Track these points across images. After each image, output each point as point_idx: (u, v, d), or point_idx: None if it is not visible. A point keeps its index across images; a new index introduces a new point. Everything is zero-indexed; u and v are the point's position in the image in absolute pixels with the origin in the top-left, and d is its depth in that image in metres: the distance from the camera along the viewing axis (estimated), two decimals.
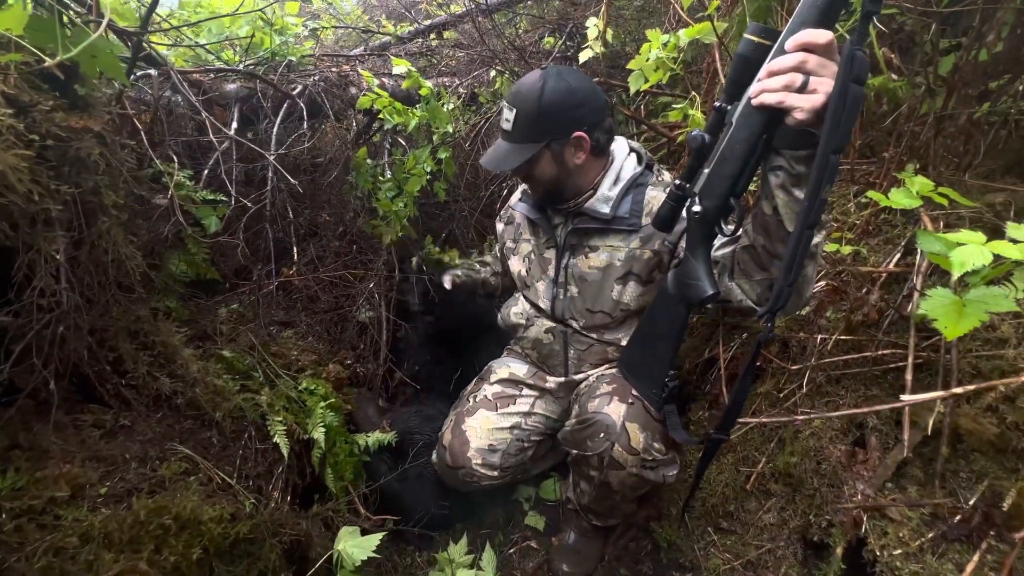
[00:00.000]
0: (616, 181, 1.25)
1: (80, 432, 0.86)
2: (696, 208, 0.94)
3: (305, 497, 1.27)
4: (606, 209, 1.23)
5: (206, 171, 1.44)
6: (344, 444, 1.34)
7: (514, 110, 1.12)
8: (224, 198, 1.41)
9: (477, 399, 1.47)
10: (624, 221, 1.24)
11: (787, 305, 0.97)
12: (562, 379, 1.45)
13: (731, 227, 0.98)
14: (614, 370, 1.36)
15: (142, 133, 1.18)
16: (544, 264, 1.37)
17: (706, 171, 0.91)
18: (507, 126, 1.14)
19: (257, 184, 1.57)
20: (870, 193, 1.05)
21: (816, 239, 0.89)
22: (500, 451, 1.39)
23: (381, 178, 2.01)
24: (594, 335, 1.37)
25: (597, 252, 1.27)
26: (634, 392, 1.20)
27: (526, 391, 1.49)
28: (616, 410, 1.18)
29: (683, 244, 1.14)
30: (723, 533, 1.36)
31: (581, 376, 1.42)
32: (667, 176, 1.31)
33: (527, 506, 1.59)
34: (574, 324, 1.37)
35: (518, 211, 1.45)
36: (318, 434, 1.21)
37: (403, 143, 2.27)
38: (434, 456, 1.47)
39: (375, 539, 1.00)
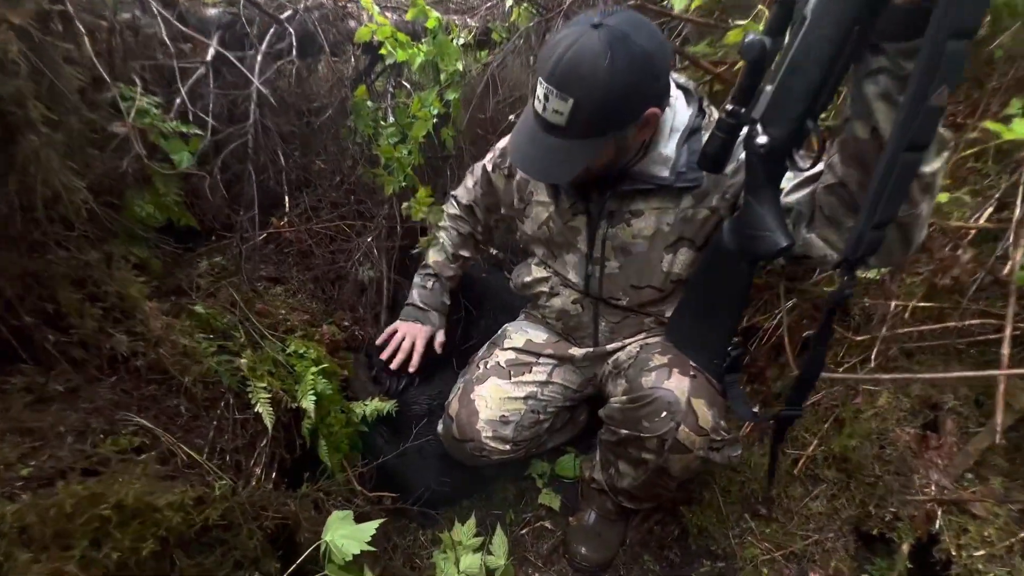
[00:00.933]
0: (671, 133, 0.98)
1: (4, 398, 0.69)
2: (761, 139, 0.71)
3: (295, 474, 1.11)
4: (665, 172, 0.97)
5: (179, 100, 1.23)
6: (339, 414, 1.18)
7: (569, 100, 0.80)
8: (199, 132, 1.20)
9: (488, 366, 1.28)
10: (684, 178, 0.97)
11: (890, 253, 0.77)
12: (589, 350, 1.27)
13: (808, 161, 0.77)
14: (658, 337, 1.17)
15: (88, 47, 0.97)
16: (571, 234, 1.10)
17: (769, 89, 0.69)
18: (558, 119, 0.83)
19: (239, 120, 1.35)
20: (988, 124, 0.83)
21: (932, 166, 0.67)
22: (513, 423, 1.21)
23: (383, 123, 1.79)
24: (636, 309, 1.17)
25: (641, 217, 1.02)
26: (692, 363, 1.01)
27: (544, 360, 1.30)
28: (678, 385, 0.99)
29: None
30: (762, 520, 1.20)
31: (614, 347, 1.24)
32: (717, 116, 1.08)
33: (541, 483, 1.44)
34: (615, 303, 1.15)
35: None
36: (308, 403, 1.04)
37: (407, 85, 2.04)
38: (439, 427, 1.31)
39: (370, 528, 0.84)
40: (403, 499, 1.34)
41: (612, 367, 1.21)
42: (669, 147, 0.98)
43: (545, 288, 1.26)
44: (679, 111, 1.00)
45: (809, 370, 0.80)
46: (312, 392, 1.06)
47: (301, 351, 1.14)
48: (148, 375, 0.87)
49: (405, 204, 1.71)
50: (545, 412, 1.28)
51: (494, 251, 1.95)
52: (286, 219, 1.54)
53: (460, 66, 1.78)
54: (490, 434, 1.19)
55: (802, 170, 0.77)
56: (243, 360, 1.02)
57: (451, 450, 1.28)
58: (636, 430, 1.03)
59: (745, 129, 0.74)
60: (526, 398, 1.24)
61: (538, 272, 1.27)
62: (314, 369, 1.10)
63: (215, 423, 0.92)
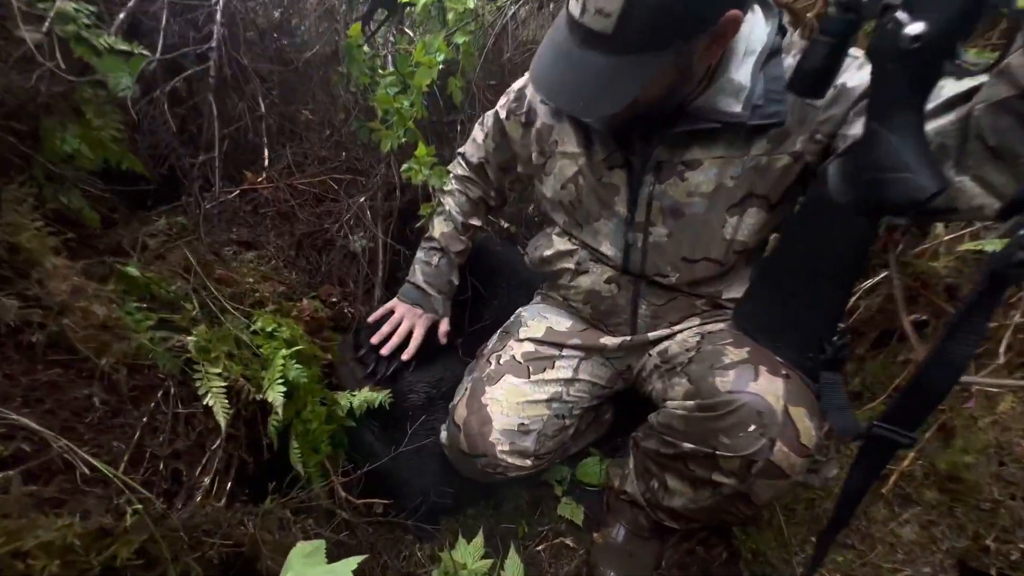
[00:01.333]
0: (745, 55, 0.75)
1: None
2: (912, 28, 0.48)
3: (262, 483, 0.89)
4: (736, 106, 0.73)
5: (122, 14, 0.98)
6: (319, 407, 0.95)
7: None
8: (146, 53, 0.95)
9: (501, 361, 1.04)
10: (761, 113, 0.73)
11: None
12: (626, 338, 1.02)
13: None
14: (720, 324, 0.93)
15: None
16: (607, 194, 0.88)
17: None
18: (603, 24, 0.62)
19: (200, 42, 1.10)
20: None
21: None
22: (534, 432, 0.98)
23: (381, 71, 1.53)
24: (685, 288, 0.93)
25: (700, 169, 0.79)
26: (779, 359, 0.77)
27: (568, 352, 1.06)
28: (770, 388, 0.74)
29: (851, 129, 0.70)
30: (834, 547, 0.98)
31: (658, 335, 0.99)
32: (799, 39, 0.82)
33: (560, 491, 1.21)
34: (662, 280, 0.91)
35: (544, 107, 0.93)
36: (275, 393, 0.81)
37: (410, 32, 1.77)
38: (443, 435, 1.07)
39: (346, 570, 0.61)
40: (397, 507, 1.12)
41: (659, 360, 0.97)
42: (742, 73, 0.73)
43: (570, 264, 1.01)
44: (756, 26, 0.75)
45: (938, 373, 0.56)
46: (281, 380, 0.83)
47: (271, 328, 0.90)
48: (48, 354, 0.63)
49: (405, 165, 1.47)
50: (571, 416, 1.04)
51: (505, 224, 1.70)
52: (264, 175, 1.30)
53: (471, 3, 1.52)
54: (507, 447, 0.95)
55: (971, 73, 0.53)
56: (192, 338, 0.78)
57: (458, 465, 1.04)
58: (708, 446, 0.78)
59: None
60: (549, 401, 1.00)
61: (561, 244, 1.01)
62: (285, 352, 0.86)
63: (145, 420, 0.68)
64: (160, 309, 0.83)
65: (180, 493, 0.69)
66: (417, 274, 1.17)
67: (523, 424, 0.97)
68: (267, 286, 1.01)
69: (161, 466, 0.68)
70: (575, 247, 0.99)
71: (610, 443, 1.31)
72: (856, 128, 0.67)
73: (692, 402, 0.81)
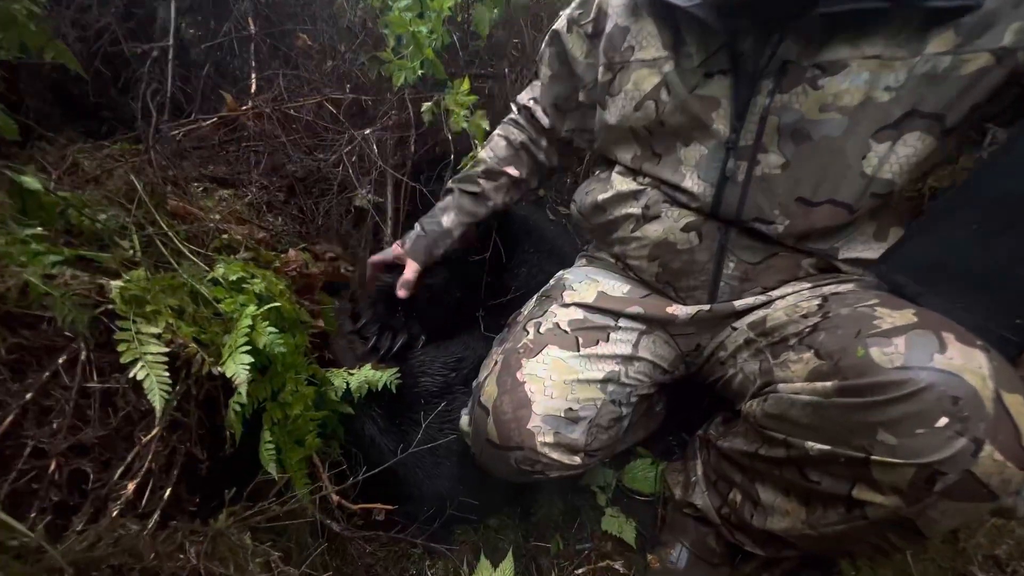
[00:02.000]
0: None
1: None
2: None
3: (219, 487, 0.65)
4: None
5: None
6: (303, 387, 0.71)
7: None
8: None
9: (543, 329, 0.79)
10: None
11: None
12: (703, 307, 0.76)
13: None
14: (844, 285, 0.67)
15: None
16: (702, 109, 0.65)
17: None
18: None
19: None
20: None
21: None
22: (585, 421, 0.72)
23: None
24: (791, 242, 0.68)
25: (843, 74, 0.58)
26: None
27: (626, 322, 0.80)
28: (968, 364, 0.49)
29: None
30: None
31: (747, 303, 0.73)
32: None
33: (603, 500, 0.96)
34: (763, 228, 0.67)
35: (618, 5, 0.71)
36: (236, 366, 0.57)
37: None
38: (463, 420, 0.82)
39: None
40: (402, 515, 0.89)
41: (753, 333, 0.72)
42: None
43: (634, 208, 0.76)
44: None
45: None
46: (247, 348, 0.58)
47: (236, 278, 0.65)
48: None
49: (425, 106, 1.21)
50: (628, 403, 0.79)
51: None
52: (250, 102, 1.05)
53: None
54: (550, 439, 0.70)
55: None
56: (117, 284, 0.54)
57: (483, 460, 0.78)
58: (855, 447, 0.53)
59: None
60: (604, 382, 0.75)
61: (624, 184, 0.77)
62: (254, 309, 0.62)
63: (30, 397, 0.45)
64: (85, 245, 0.59)
65: (83, 508, 0.45)
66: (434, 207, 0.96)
67: (571, 410, 0.72)
68: (242, 229, 0.76)
69: (52, 467, 0.44)
70: (643, 186, 0.75)
71: (660, 443, 1.07)
72: None
73: (829, 383, 0.55)
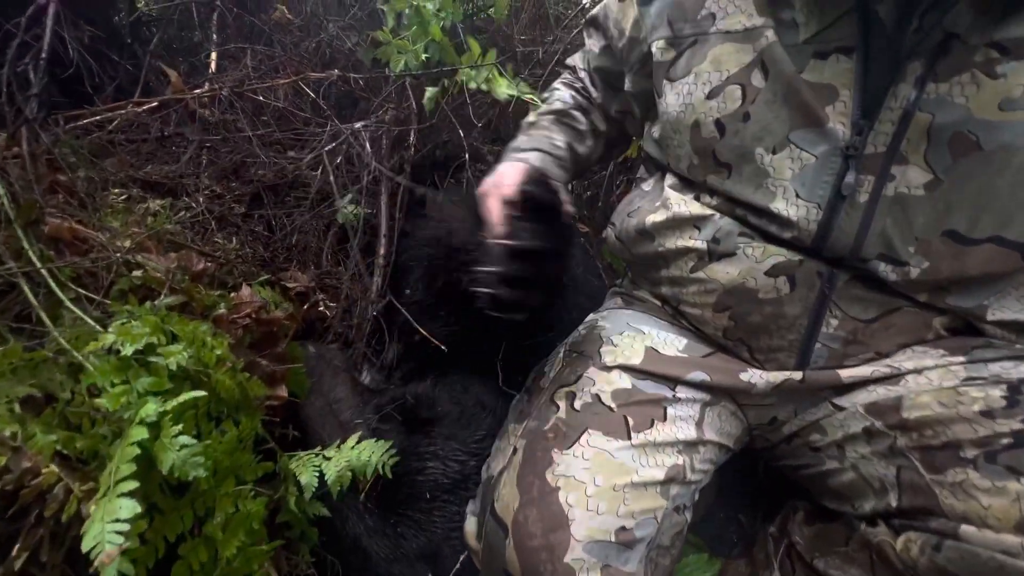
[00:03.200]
0: None
1: None
2: None
3: None
4: None
5: None
6: (248, 505, 0.46)
7: None
8: None
9: (578, 403, 0.55)
10: None
11: None
12: (792, 375, 0.53)
13: None
14: (1001, 361, 0.46)
15: None
16: (814, 99, 0.46)
17: None
18: None
19: None
20: None
21: None
22: (643, 544, 0.48)
23: None
24: (924, 296, 0.47)
25: None
26: None
27: (685, 392, 0.57)
28: None
29: None
30: None
31: (857, 375, 0.51)
32: None
33: None
34: (884, 271, 0.46)
35: None
36: (98, 534, 0.31)
37: None
38: (468, 527, 0.58)
39: None
40: None
41: (884, 425, 0.48)
42: None
43: (696, 241, 0.53)
44: None
45: None
46: (129, 483, 0.34)
47: (139, 345, 0.40)
48: None
49: (428, 92, 0.96)
50: (691, 504, 0.55)
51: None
52: (207, 85, 0.80)
53: None
54: (596, 574, 0.47)
55: None
56: None
57: None
58: None
59: None
60: (668, 483, 0.51)
61: (681, 204, 0.54)
62: (152, 408, 0.37)
63: None
64: None
65: None
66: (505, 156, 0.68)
67: (624, 529, 0.48)
68: (167, 261, 0.51)
69: None
70: (709, 212, 0.52)
71: (711, 525, 0.83)
72: None
73: None
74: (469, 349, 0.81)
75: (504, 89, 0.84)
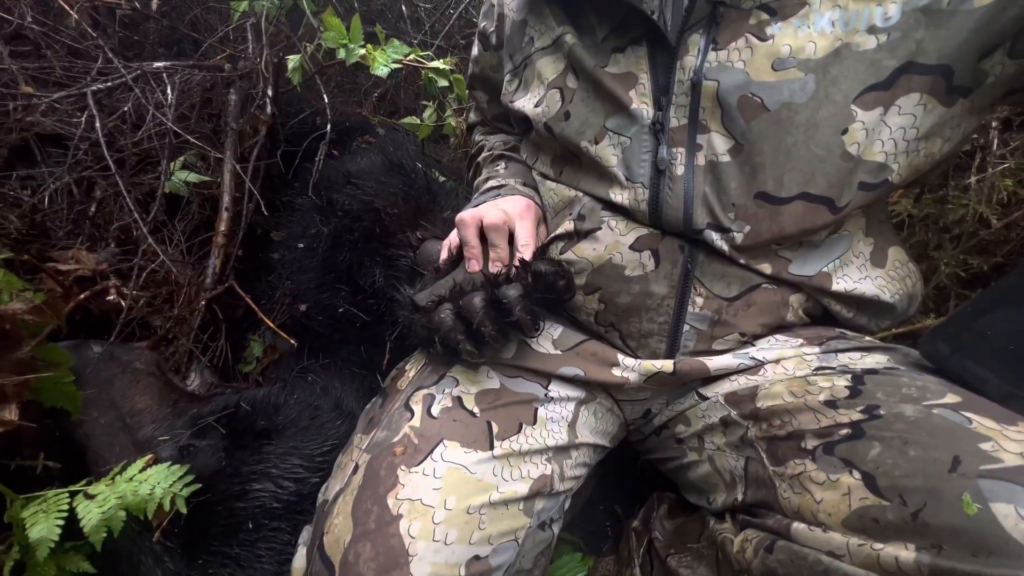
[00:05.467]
0: None
1: None
2: None
3: None
4: None
5: None
6: None
7: None
8: None
9: (435, 409, 0.46)
10: None
11: None
12: (663, 369, 0.48)
13: None
14: (879, 355, 0.44)
15: None
16: (617, 88, 0.46)
17: None
18: None
19: None
20: None
21: None
22: (501, 571, 0.41)
23: None
24: (766, 266, 0.45)
25: (799, 15, 0.40)
26: None
27: (559, 389, 0.51)
28: None
29: None
30: None
31: (724, 365, 0.47)
32: None
33: None
34: (717, 240, 0.44)
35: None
36: None
37: None
38: (296, 564, 0.44)
39: None
40: None
41: (738, 414, 0.45)
42: None
43: (565, 222, 0.51)
44: None
45: None
46: None
47: None
48: None
49: (292, 61, 0.79)
50: (559, 516, 0.49)
51: (443, 179, 1.08)
52: None
53: None
54: None
55: None
56: None
57: None
58: None
59: None
60: (532, 497, 0.44)
61: (557, 193, 0.53)
62: None
63: None
64: None
65: None
66: (479, 190, 0.61)
67: (478, 558, 0.40)
68: None
69: None
70: (574, 193, 0.51)
71: (588, 523, 0.79)
72: None
73: (906, 552, 0.31)
74: (355, 335, 0.69)
75: (382, 64, 0.72)
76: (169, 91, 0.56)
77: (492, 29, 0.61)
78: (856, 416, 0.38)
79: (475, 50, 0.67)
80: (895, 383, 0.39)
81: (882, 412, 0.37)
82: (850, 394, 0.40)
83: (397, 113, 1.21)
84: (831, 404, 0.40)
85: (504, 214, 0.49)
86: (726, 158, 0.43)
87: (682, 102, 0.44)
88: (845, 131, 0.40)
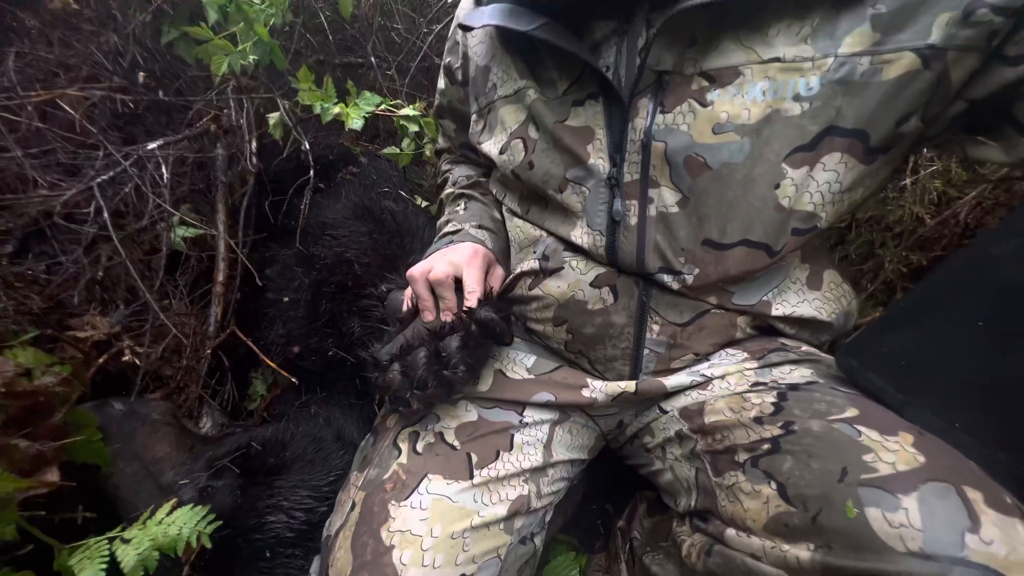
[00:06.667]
0: None
1: None
2: None
3: None
4: None
5: None
6: None
7: None
8: None
9: (420, 446, 0.52)
10: None
11: None
12: (627, 389, 0.54)
13: None
14: (797, 367, 0.50)
15: None
16: (575, 142, 0.51)
17: None
18: None
19: None
20: None
21: None
22: None
23: None
24: (713, 299, 0.51)
25: (736, 83, 0.44)
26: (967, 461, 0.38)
27: (533, 414, 0.56)
28: (1015, 546, 0.32)
29: None
30: None
31: (678, 383, 0.53)
32: None
33: None
34: (669, 281, 0.50)
35: (476, 24, 0.53)
36: None
37: None
38: None
39: None
40: None
41: (688, 427, 0.51)
42: None
43: (531, 262, 0.56)
44: None
45: None
46: None
47: None
48: None
49: (272, 118, 0.85)
50: (541, 528, 0.55)
51: (425, 203, 1.15)
52: None
53: None
54: None
55: None
56: None
57: None
58: None
59: None
60: (511, 517, 0.50)
61: (517, 230, 0.59)
62: None
63: None
64: None
65: None
66: (439, 232, 0.66)
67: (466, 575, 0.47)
68: None
69: None
70: (539, 233, 0.56)
71: (583, 522, 0.85)
72: None
73: (805, 553, 0.36)
74: (349, 371, 0.75)
75: (356, 119, 0.78)
76: (164, 170, 0.61)
77: (458, 65, 0.64)
78: (776, 432, 0.43)
79: (441, 83, 0.70)
80: (810, 398, 0.45)
81: (796, 428, 0.43)
82: (774, 411, 0.45)
83: (378, 138, 1.26)
84: (759, 420, 0.45)
85: (450, 265, 0.53)
86: (675, 209, 0.47)
87: (635, 159, 0.48)
88: (778, 186, 0.44)
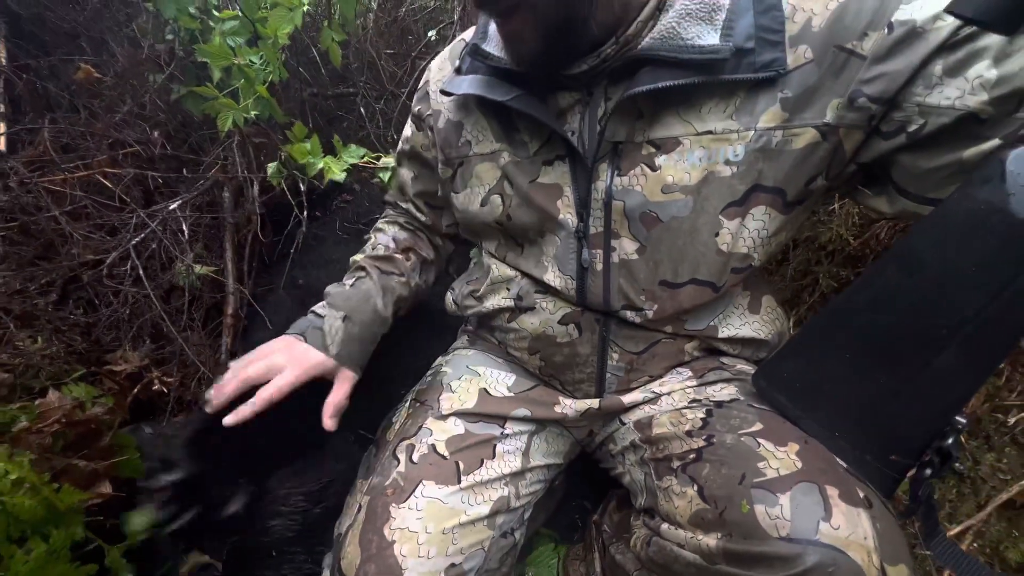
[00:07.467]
0: None
1: None
2: None
3: None
4: (711, 38, 0.48)
5: None
6: None
7: None
8: None
9: (416, 456, 0.62)
10: (748, 62, 0.48)
11: None
12: (592, 405, 0.65)
13: None
14: (726, 386, 0.60)
15: None
16: (546, 199, 0.58)
17: None
18: None
19: None
20: None
21: None
22: (473, 571, 0.58)
23: (216, 13, 1.00)
24: (669, 328, 0.60)
25: (677, 151, 0.52)
26: (843, 463, 0.49)
27: (513, 426, 0.66)
28: (854, 534, 0.43)
29: (934, 96, 0.44)
30: None
31: (633, 400, 0.64)
32: None
33: None
34: (632, 317, 0.59)
35: (457, 92, 0.60)
36: None
37: None
38: None
39: None
40: None
41: (639, 438, 0.62)
42: None
43: (507, 301, 0.65)
44: None
45: None
46: None
47: None
48: None
49: (271, 168, 0.96)
50: (521, 523, 0.65)
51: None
52: None
53: None
54: None
55: None
56: None
57: None
58: None
59: None
60: (493, 515, 0.61)
61: (498, 269, 0.65)
62: None
63: None
64: None
65: None
66: (321, 303, 0.70)
67: (454, 566, 0.57)
68: None
69: None
70: (513, 274, 0.64)
71: (564, 517, 0.96)
72: (949, 93, 0.43)
73: (713, 541, 0.47)
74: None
75: (338, 171, 0.88)
76: (184, 226, 0.72)
77: (429, 113, 0.68)
78: (700, 444, 0.53)
79: (408, 130, 0.73)
80: (729, 415, 0.55)
81: (715, 440, 0.53)
82: (702, 425, 0.55)
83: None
84: (689, 433, 0.56)
85: (267, 370, 0.60)
86: (635, 256, 0.55)
87: (598, 215, 0.55)
88: (717, 234, 0.53)
